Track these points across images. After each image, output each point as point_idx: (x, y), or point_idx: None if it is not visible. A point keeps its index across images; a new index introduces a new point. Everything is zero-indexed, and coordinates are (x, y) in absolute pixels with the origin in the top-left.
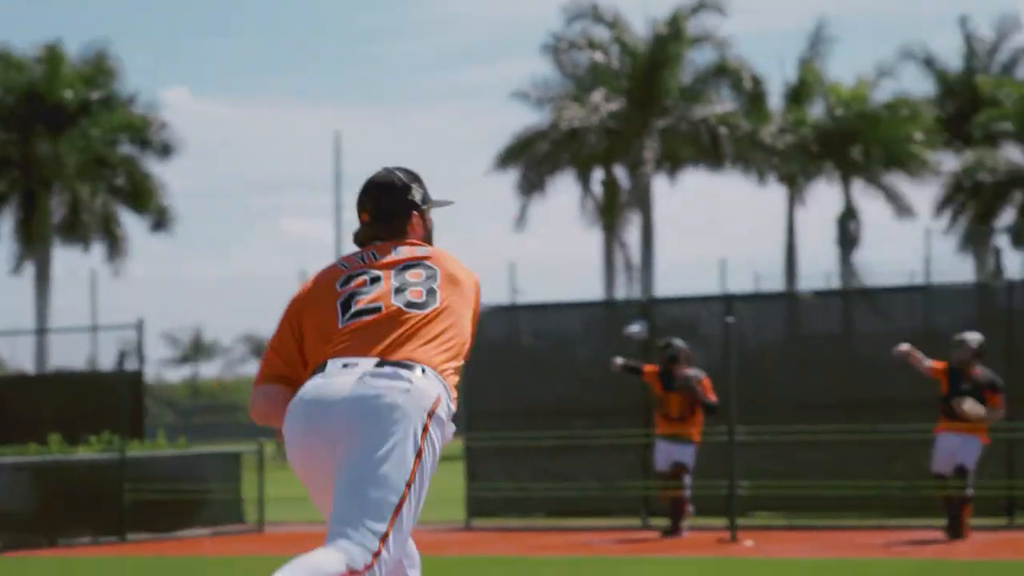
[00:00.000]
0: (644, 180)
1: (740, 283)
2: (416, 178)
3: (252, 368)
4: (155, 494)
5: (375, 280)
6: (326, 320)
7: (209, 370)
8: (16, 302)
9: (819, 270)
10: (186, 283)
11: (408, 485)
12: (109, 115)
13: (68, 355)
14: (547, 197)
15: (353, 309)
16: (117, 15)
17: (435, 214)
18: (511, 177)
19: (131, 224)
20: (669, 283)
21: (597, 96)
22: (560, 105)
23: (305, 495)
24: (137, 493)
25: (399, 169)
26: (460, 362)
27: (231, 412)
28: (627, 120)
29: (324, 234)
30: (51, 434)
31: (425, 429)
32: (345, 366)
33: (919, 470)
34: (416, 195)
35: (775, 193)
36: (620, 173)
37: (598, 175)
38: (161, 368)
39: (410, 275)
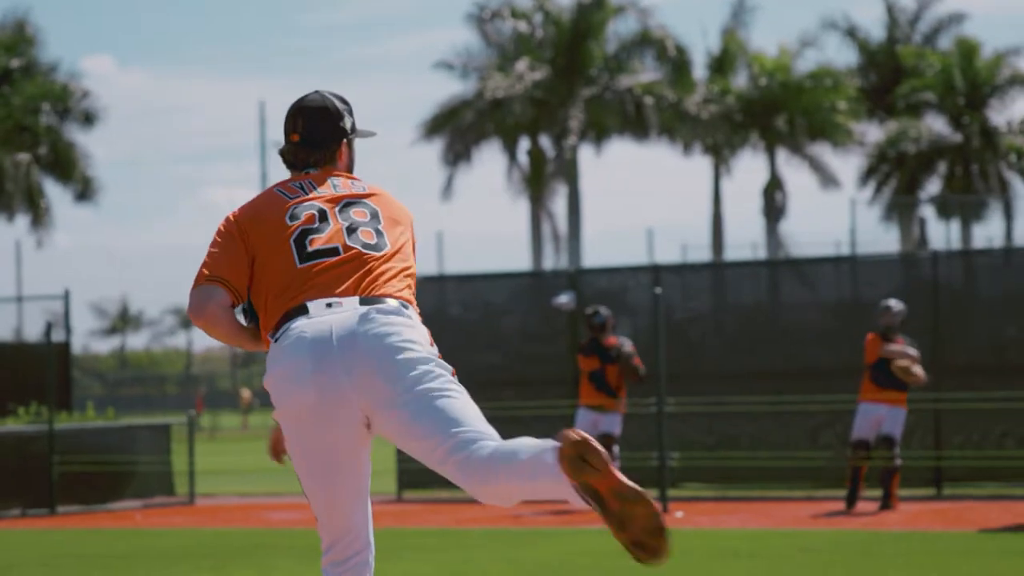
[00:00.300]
0: (570, 150)
1: (667, 253)
2: (348, 105)
3: (180, 340)
4: (85, 466)
5: (323, 217)
6: (280, 256)
7: (136, 341)
8: None
9: (746, 240)
10: (112, 253)
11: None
12: (30, 83)
13: None
14: (473, 167)
15: (309, 249)
16: None
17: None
18: (437, 147)
19: (55, 194)
20: (596, 253)
21: (521, 65)
22: (485, 75)
23: (235, 468)
24: (66, 465)
25: (332, 95)
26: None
27: (159, 383)
28: (552, 90)
29: None
30: None
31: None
32: (329, 306)
33: (847, 440)
34: (347, 123)
35: (701, 163)
36: (546, 143)
37: (524, 145)
38: (88, 339)
39: (355, 213)
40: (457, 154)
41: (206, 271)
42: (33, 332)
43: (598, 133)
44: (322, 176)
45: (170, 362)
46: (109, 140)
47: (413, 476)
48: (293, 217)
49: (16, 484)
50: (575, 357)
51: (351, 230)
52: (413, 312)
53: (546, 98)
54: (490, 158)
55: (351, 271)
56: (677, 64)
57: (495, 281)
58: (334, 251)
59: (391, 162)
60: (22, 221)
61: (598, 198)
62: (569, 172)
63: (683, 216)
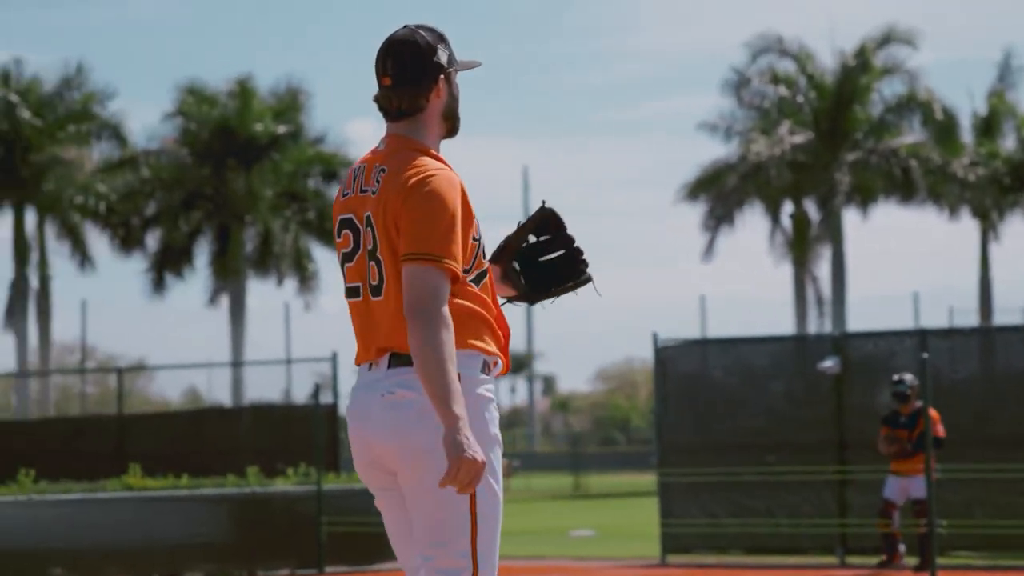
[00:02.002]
0: (834, 213)
1: (934, 318)
2: (442, 38)
3: None
4: (352, 527)
5: (356, 238)
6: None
7: None
8: (212, 335)
9: (1015, 304)
10: None
11: (472, 504)
12: (299, 149)
13: (264, 388)
14: (736, 230)
15: (345, 283)
16: (306, 48)
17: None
18: (698, 209)
19: (322, 257)
20: (861, 318)
21: (783, 129)
22: (748, 138)
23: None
24: (334, 526)
25: (422, 28)
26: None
27: None
28: (815, 153)
29: None
30: (249, 466)
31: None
32: (369, 368)
33: None
34: (442, 56)
35: (968, 227)
36: (810, 206)
37: (787, 208)
38: None
39: (367, 235)
40: (719, 217)
41: None
42: (301, 394)
43: (863, 196)
44: (378, 158)
45: None
46: None
47: (676, 540)
48: (339, 232)
49: (285, 544)
50: (841, 422)
51: (368, 262)
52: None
53: (809, 161)
54: (752, 221)
55: (372, 323)
56: (943, 126)
57: (758, 345)
58: (356, 291)
59: (653, 223)
60: (290, 284)
61: (863, 262)
62: (833, 235)
63: (950, 280)
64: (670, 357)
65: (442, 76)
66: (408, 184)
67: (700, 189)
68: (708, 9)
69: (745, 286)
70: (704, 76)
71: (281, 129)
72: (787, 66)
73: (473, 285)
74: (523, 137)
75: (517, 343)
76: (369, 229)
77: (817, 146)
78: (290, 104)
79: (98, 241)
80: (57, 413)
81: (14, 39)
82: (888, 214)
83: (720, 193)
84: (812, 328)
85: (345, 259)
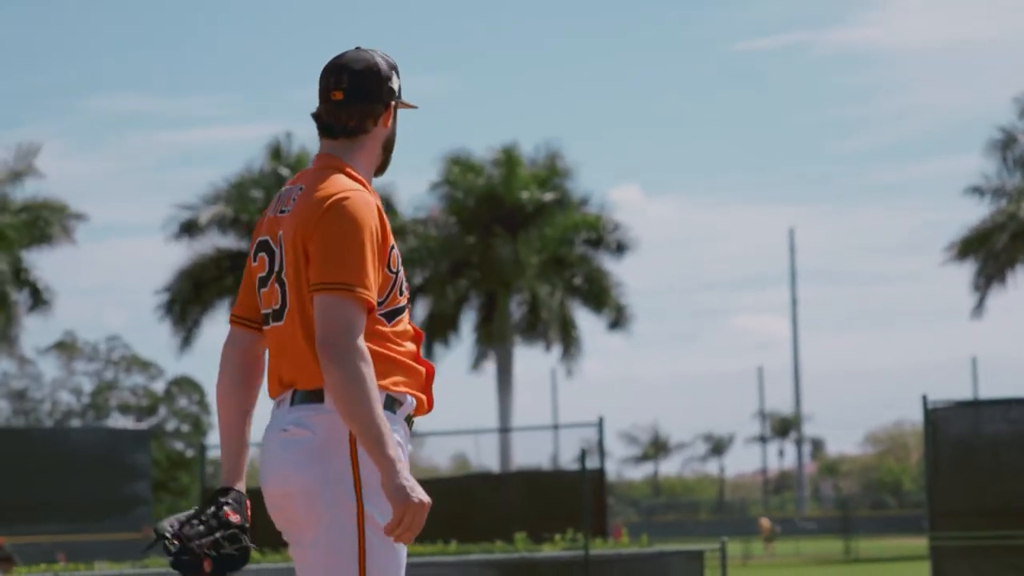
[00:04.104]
0: None
1: None
2: (395, 68)
3: (712, 466)
4: None
5: (271, 261)
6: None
7: (668, 467)
8: (477, 401)
9: None
10: (642, 381)
11: (361, 556)
12: (564, 215)
13: (531, 453)
14: (1007, 289)
15: (262, 308)
16: (569, 114)
17: None
18: (967, 269)
19: (588, 322)
20: None
21: None
22: (1017, 197)
23: None
24: None
25: (377, 52)
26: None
27: (692, 510)
28: None
29: (779, 330)
30: (516, 532)
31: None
32: (279, 404)
33: None
34: (395, 85)
35: None
36: None
37: None
38: (622, 466)
39: (277, 259)
40: (989, 276)
41: None
42: (568, 459)
43: None
44: (302, 177)
45: (703, 488)
46: (637, 269)
47: None
48: (255, 256)
49: None
50: None
51: (274, 285)
52: (320, 414)
53: None
54: None
55: (276, 352)
56: None
57: None
58: (267, 318)
59: (920, 285)
60: (556, 350)
61: None
62: None
63: None
64: (941, 419)
65: (392, 104)
66: (322, 205)
67: (968, 249)
68: (973, 68)
69: (1018, 346)
70: (965, 135)
71: (547, 196)
72: None
73: (384, 321)
74: (789, 201)
75: (784, 405)
76: (278, 249)
77: None
78: (553, 170)
79: None
80: None
81: (284, 113)
82: None
83: (990, 252)
84: None
85: (260, 284)
